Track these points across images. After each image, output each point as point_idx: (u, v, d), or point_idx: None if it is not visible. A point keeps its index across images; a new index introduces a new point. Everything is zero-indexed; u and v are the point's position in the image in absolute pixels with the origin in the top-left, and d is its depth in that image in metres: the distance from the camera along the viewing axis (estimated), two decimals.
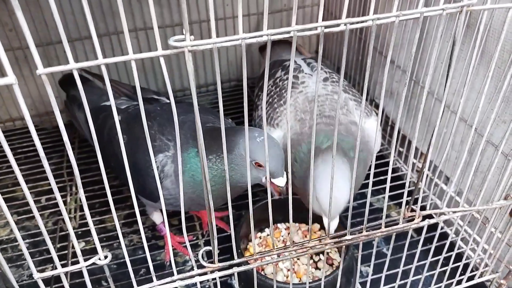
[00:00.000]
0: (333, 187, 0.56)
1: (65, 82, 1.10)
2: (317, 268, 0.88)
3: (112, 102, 0.42)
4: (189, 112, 0.83)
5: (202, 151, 0.46)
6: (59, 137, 1.22)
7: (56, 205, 0.46)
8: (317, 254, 0.89)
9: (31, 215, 1.04)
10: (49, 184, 0.44)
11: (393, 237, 0.67)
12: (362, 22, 0.43)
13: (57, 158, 1.19)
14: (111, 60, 0.39)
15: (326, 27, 0.42)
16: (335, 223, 0.73)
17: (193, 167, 0.76)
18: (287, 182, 0.61)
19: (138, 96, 0.43)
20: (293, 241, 0.72)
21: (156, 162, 0.77)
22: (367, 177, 0.68)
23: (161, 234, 0.98)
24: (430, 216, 0.67)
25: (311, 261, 0.88)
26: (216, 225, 0.95)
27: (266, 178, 0.72)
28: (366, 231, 0.62)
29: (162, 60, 0.40)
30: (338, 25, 0.42)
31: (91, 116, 0.43)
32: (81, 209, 1.03)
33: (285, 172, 0.72)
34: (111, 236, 1.00)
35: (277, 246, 0.91)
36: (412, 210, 0.63)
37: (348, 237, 0.61)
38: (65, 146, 0.42)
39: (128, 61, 0.40)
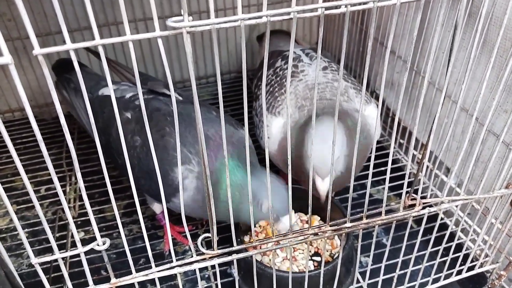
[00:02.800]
0: (325, 145, 0.54)
1: (59, 67, 1.03)
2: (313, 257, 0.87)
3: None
4: (209, 121, 0.80)
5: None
6: (58, 128, 1.22)
7: (56, 195, 0.45)
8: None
9: (30, 204, 1.04)
10: (49, 174, 0.43)
11: (393, 226, 0.66)
12: (363, 3, 0.42)
13: (56, 148, 1.19)
14: (108, 40, 0.39)
15: (326, 8, 0.41)
16: (326, 183, 0.71)
17: (239, 179, 0.73)
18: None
19: (138, 89, 0.42)
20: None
21: (175, 173, 0.75)
22: (367, 167, 0.67)
23: (161, 224, 0.98)
24: (430, 206, 0.66)
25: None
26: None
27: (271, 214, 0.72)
28: (366, 219, 0.62)
29: (160, 42, 0.40)
30: (339, 6, 0.42)
31: (92, 107, 0.42)
32: (81, 199, 1.03)
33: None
34: (111, 226, 1.00)
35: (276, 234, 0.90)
36: (413, 199, 0.63)
37: (348, 224, 0.61)
38: (64, 134, 0.41)
39: (128, 52, 0.39)
